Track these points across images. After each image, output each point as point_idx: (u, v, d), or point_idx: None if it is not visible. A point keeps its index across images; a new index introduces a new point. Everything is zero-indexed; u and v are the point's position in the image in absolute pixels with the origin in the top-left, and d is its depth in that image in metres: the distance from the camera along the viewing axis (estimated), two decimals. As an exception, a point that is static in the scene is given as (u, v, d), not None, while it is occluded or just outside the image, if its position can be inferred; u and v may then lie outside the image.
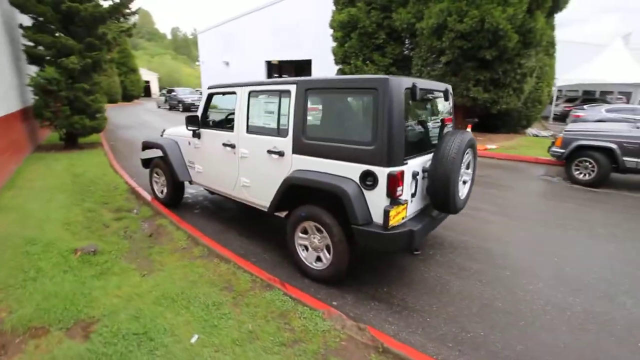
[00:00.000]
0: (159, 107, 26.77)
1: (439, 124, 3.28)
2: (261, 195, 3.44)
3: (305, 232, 3.07)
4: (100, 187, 5.54)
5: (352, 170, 2.64)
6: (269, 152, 3.20)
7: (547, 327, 2.52)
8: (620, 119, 12.27)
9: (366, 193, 2.61)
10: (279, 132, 3.18)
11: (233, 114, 4.62)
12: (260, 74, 23.03)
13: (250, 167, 3.47)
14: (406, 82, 2.58)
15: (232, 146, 3.61)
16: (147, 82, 42.61)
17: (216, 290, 2.77)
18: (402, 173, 2.51)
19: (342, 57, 11.50)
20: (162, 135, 5.06)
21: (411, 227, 2.59)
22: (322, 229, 2.88)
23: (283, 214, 3.35)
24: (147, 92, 42.80)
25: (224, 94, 3.87)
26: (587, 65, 16.36)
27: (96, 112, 8.27)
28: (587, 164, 6.21)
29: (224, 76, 25.72)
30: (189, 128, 4.00)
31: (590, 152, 6.11)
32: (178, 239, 3.70)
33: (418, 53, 9.73)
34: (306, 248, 3.11)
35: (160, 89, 46.01)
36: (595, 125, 7.18)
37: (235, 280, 2.91)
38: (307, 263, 3.09)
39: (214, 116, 4.26)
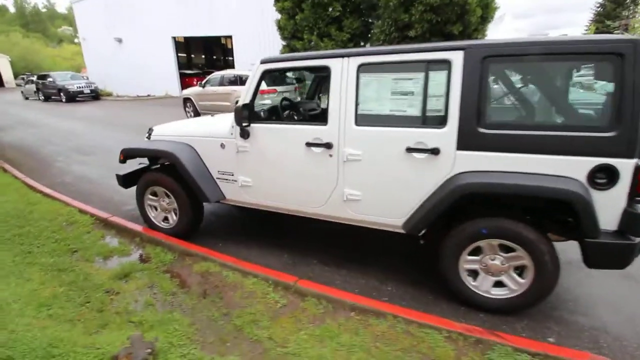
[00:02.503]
0: (26, 98, 20.87)
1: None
2: (384, 211, 2.48)
3: (476, 252, 2.29)
4: (43, 224, 3.58)
5: (574, 166, 1.95)
6: (410, 150, 2.26)
7: None
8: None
9: (594, 194, 1.97)
10: (427, 121, 2.25)
11: (286, 99, 3.43)
12: (168, 55, 19.58)
13: (366, 173, 2.44)
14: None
15: (327, 146, 2.50)
16: (-5, 67, 32.92)
17: (414, 369, 1.82)
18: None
19: (292, 32, 10.27)
20: (149, 137, 3.45)
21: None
22: (513, 246, 2.15)
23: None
24: (-4, 80, 33.14)
25: (295, 69, 2.65)
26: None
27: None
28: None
29: (116, 56, 21.18)
30: (244, 125, 2.66)
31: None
32: (261, 293, 2.46)
33: (380, 27, 9.24)
34: (474, 273, 2.35)
35: (16, 75, 36.22)
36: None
37: (422, 345, 1.97)
38: (480, 293, 2.32)
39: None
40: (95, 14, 20.79)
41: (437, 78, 2.17)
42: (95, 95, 19.25)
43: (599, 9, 30.26)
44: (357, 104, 2.39)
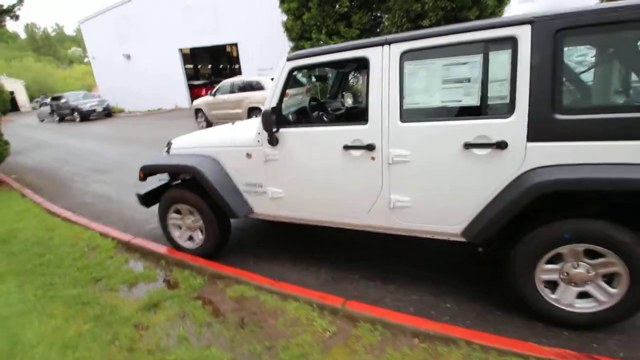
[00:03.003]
0: (42, 120, 21.28)
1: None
2: (439, 218, 2.16)
3: (555, 260, 1.96)
4: (64, 251, 3.40)
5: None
6: (469, 146, 1.94)
7: None
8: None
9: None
10: (488, 110, 1.93)
11: (314, 100, 3.16)
12: (176, 67, 19.66)
13: (416, 176, 2.14)
14: None
15: (369, 147, 2.20)
16: (11, 92, 33.73)
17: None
18: None
19: (300, 32, 10.01)
20: (168, 151, 3.23)
21: None
22: (603, 251, 1.81)
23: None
24: (12, 104, 33.96)
25: (326, 64, 2.38)
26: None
27: (-12, 136, 5.43)
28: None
29: (126, 72, 21.41)
30: (274, 131, 2.39)
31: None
32: (306, 320, 2.18)
33: (391, 19, 8.89)
34: (552, 284, 2.01)
35: (31, 98, 37.26)
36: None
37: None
38: (561, 306, 1.98)
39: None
40: (103, 32, 21.07)
41: (500, 59, 1.85)
42: (108, 113, 19.48)
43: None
44: (402, 98, 2.09)
